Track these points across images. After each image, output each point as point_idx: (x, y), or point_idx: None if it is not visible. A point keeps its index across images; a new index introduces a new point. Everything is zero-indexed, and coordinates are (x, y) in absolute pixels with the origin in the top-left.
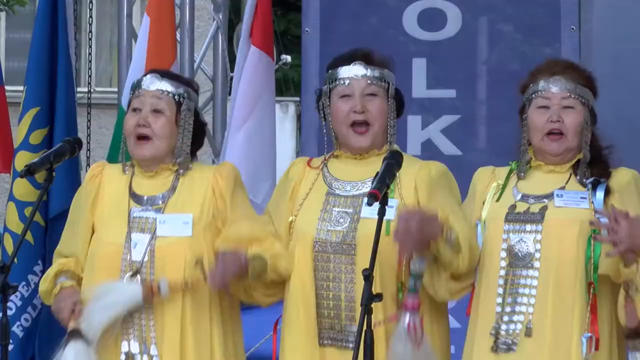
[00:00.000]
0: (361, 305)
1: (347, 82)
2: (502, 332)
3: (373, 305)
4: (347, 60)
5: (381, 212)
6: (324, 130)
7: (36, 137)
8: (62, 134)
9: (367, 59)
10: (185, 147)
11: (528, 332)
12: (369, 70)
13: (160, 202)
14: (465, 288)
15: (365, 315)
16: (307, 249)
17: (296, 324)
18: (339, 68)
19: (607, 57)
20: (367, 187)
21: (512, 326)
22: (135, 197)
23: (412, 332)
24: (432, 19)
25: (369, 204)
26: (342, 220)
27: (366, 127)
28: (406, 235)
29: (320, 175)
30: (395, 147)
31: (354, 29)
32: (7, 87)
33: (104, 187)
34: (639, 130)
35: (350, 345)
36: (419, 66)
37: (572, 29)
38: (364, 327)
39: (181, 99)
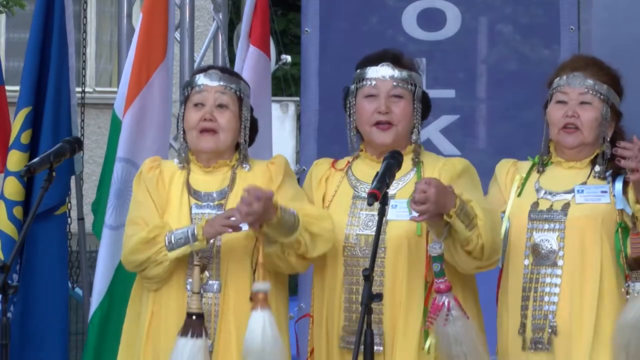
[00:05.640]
0: (361, 305)
1: (373, 82)
2: (532, 331)
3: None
4: (375, 61)
5: (381, 212)
6: (348, 129)
7: (26, 137)
8: (49, 134)
9: (396, 61)
10: (246, 143)
11: (554, 331)
12: (396, 71)
13: (220, 198)
14: (488, 266)
15: (365, 315)
16: (337, 253)
17: (321, 324)
18: (367, 68)
19: (605, 57)
20: (392, 189)
21: (539, 324)
22: (194, 193)
23: (451, 311)
24: (431, 18)
25: (369, 203)
26: (370, 223)
27: (389, 125)
28: (424, 202)
29: (344, 177)
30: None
31: (353, 29)
32: (7, 87)
33: (163, 177)
34: (638, 129)
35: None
36: None
37: (571, 29)
38: (364, 327)
39: (242, 95)
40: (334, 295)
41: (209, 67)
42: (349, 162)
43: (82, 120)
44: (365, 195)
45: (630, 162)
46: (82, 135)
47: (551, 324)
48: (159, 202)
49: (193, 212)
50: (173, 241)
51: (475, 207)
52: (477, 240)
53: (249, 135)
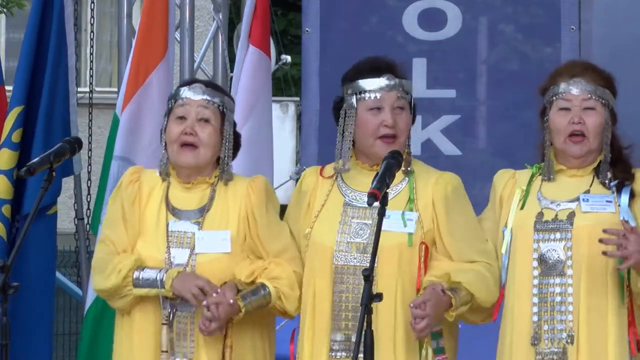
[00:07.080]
0: (361, 305)
1: (377, 95)
2: (545, 342)
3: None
4: (372, 71)
5: (381, 212)
6: (341, 141)
7: (17, 136)
8: (42, 133)
9: (393, 71)
10: (228, 158)
11: (570, 340)
12: (396, 82)
13: (198, 216)
14: (491, 315)
15: (365, 315)
16: (327, 261)
17: (308, 334)
18: (367, 80)
19: (606, 56)
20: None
21: (556, 335)
22: (172, 210)
23: None
24: (432, 19)
25: (369, 204)
26: (361, 232)
27: (394, 139)
28: (425, 326)
29: (334, 185)
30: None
31: (354, 29)
32: (7, 87)
33: (142, 192)
34: (638, 129)
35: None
36: (419, 66)
37: (572, 28)
38: (364, 327)
39: (225, 110)
40: (322, 304)
41: (193, 81)
42: (336, 169)
43: (90, 121)
44: (356, 204)
45: (617, 252)
46: (90, 135)
47: (570, 333)
48: (132, 221)
49: (170, 228)
50: (141, 280)
51: (470, 288)
52: (474, 303)
53: (232, 150)
